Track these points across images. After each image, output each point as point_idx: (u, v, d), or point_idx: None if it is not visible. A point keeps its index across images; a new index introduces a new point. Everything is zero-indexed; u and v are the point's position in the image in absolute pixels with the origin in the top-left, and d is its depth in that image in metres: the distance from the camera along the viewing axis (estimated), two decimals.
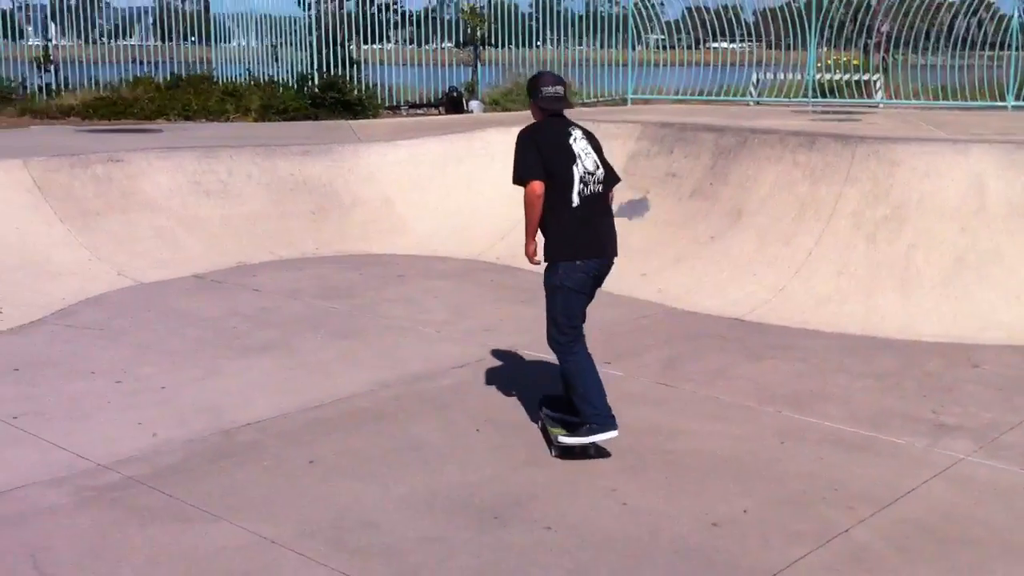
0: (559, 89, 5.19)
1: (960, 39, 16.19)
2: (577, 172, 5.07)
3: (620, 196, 10.24)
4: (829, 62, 16.92)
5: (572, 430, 5.15)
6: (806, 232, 8.67)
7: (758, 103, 16.75)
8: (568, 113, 5.35)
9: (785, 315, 7.94)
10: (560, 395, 5.38)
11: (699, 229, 9.38)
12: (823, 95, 16.23)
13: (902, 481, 4.96)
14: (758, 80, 17.49)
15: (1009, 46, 15.48)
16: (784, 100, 16.50)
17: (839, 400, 6.16)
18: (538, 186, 4.99)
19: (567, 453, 5.16)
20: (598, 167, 5.17)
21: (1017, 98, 15.40)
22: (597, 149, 5.25)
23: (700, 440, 5.48)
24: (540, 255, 5.18)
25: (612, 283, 8.78)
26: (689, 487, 4.88)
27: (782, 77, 17.12)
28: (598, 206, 5.19)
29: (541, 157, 5.02)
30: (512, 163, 5.09)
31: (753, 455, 5.29)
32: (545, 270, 5.22)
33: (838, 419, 5.82)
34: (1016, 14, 15.46)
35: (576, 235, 5.10)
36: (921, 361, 6.94)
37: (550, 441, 5.28)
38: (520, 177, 5.04)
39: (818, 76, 16.46)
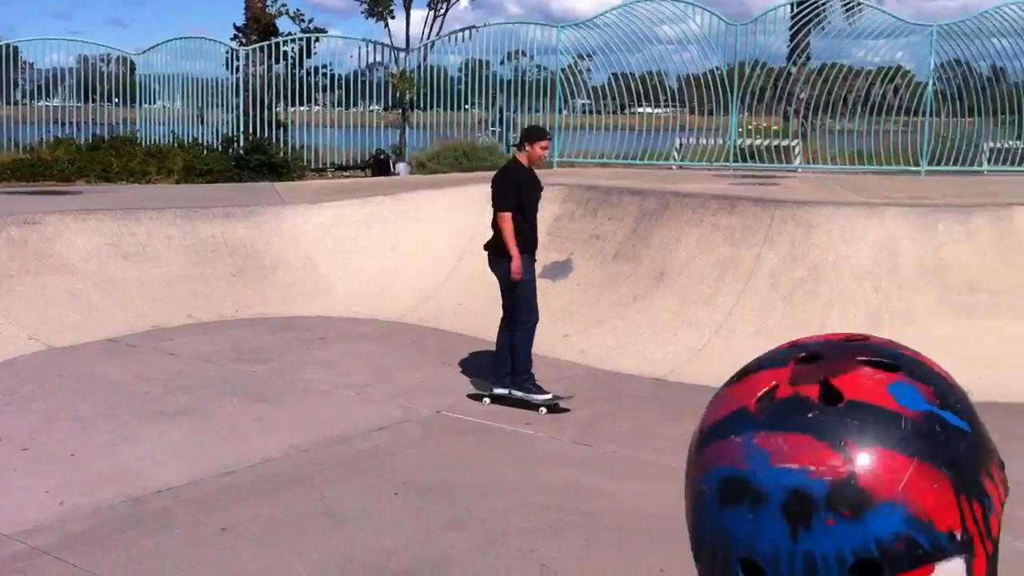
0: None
1: (876, 106, 16.70)
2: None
3: (544, 257, 10.35)
4: (750, 127, 17.27)
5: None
6: (726, 293, 8.79)
7: (681, 167, 17.02)
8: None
9: (704, 375, 7.98)
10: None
11: (622, 290, 9.46)
12: (744, 159, 16.54)
13: None
14: (681, 145, 17.78)
15: (923, 112, 15.99)
16: (706, 164, 16.80)
17: None
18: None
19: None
20: None
21: (930, 163, 15.89)
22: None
23: (619, 500, 5.46)
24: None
25: (535, 343, 8.88)
26: (607, 547, 4.85)
27: (704, 142, 17.42)
28: None
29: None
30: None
31: (672, 514, 5.26)
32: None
33: None
34: (930, 82, 16.00)
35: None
36: None
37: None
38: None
39: (739, 141, 16.78)
